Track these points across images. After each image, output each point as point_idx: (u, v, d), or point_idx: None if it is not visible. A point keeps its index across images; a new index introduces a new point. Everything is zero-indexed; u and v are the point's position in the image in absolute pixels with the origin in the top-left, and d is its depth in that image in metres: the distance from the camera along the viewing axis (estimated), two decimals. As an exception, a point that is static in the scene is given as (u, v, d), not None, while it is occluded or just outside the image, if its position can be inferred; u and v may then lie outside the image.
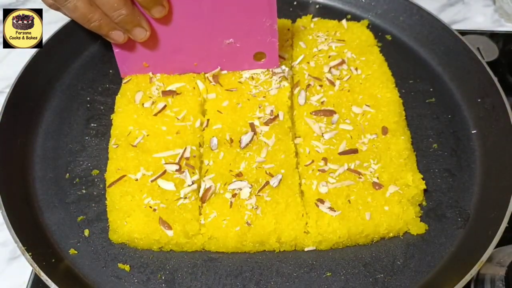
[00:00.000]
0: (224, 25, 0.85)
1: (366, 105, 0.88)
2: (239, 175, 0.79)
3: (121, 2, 0.77)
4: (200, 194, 0.78)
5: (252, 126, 0.85)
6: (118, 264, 0.76)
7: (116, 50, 0.89)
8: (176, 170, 0.79)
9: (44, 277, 0.70)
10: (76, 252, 0.77)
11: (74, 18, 0.79)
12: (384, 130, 0.85)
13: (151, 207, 0.76)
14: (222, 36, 0.87)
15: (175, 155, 0.81)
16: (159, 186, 0.78)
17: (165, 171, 0.79)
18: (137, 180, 0.78)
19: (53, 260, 0.75)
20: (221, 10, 0.83)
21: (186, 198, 0.77)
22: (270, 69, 0.92)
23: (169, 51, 0.89)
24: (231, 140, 0.83)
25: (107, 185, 0.80)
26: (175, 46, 0.88)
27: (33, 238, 0.76)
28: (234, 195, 0.77)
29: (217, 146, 0.82)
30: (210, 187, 0.78)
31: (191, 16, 0.84)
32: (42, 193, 0.83)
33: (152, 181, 0.78)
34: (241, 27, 0.85)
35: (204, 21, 0.84)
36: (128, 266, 0.76)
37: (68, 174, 0.86)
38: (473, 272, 0.70)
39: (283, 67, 0.92)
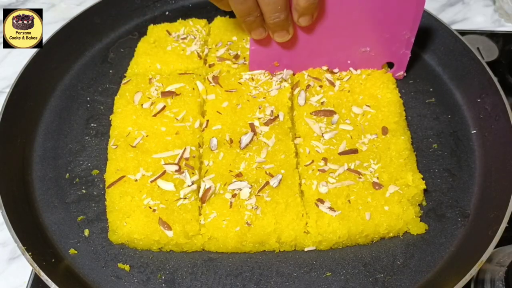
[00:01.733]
0: (366, 34, 0.88)
1: (366, 105, 0.88)
2: (239, 175, 0.79)
3: (283, 6, 0.78)
4: (200, 195, 0.78)
5: (252, 126, 0.85)
6: (118, 264, 0.76)
7: (252, 48, 0.89)
8: (176, 171, 0.79)
9: (44, 277, 0.70)
10: (76, 252, 0.77)
11: (237, 9, 0.80)
12: (384, 130, 0.85)
13: (150, 208, 0.76)
14: (360, 44, 0.90)
15: (175, 155, 0.81)
16: (158, 186, 0.78)
17: (164, 172, 0.79)
18: (136, 180, 0.79)
19: (53, 260, 0.75)
20: (367, 21, 0.86)
21: (185, 198, 0.77)
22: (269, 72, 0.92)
23: (304, 52, 0.90)
24: (231, 141, 0.83)
25: (106, 185, 0.80)
26: (311, 49, 0.90)
27: (33, 238, 0.76)
28: (234, 196, 0.77)
29: (217, 147, 0.82)
30: (210, 188, 0.78)
31: (337, 24, 0.86)
32: (42, 193, 0.83)
33: (151, 181, 0.78)
34: (380, 37, 0.89)
35: (348, 29, 0.87)
36: (128, 266, 0.76)
37: (68, 174, 0.86)
38: (473, 272, 0.70)
39: (286, 70, 0.93)
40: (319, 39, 0.88)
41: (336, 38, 0.88)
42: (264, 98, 0.89)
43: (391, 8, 0.84)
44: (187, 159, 0.81)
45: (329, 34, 0.87)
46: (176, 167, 0.79)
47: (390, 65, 0.95)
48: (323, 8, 0.83)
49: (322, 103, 0.89)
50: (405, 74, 0.97)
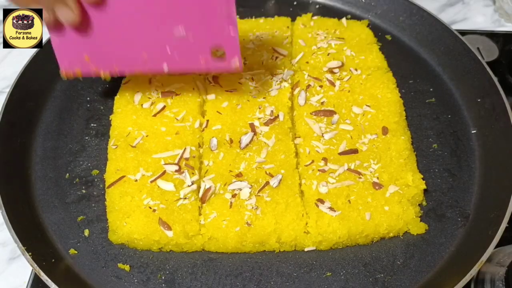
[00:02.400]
0: (172, 9, 0.73)
1: (367, 105, 0.88)
2: (239, 175, 0.79)
3: None
4: (200, 195, 0.78)
5: (252, 126, 0.85)
6: (118, 264, 0.76)
7: (54, 42, 0.79)
8: (176, 171, 0.79)
9: (44, 277, 0.70)
10: (76, 252, 0.77)
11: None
12: (384, 130, 0.85)
13: (150, 208, 0.76)
14: (170, 23, 0.74)
15: (175, 155, 0.81)
16: (158, 186, 0.78)
17: (164, 172, 0.79)
18: (136, 180, 0.78)
19: (53, 260, 0.75)
20: None
21: (185, 198, 0.77)
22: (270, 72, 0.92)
23: (112, 41, 0.78)
24: (231, 141, 0.83)
25: (106, 185, 0.80)
26: (118, 36, 0.77)
27: (33, 238, 0.76)
28: (234, 196, 0.77)
29: (217, 147, 0.82)
30: (210, 188, 0.78)
31: (135, 7, 0.74)
32: (42, 193, 0.83)
33: (151, 181, 0.78)
34: (191, 12, 0.73)
35: (147, 4, 0.74)
36: (128, 266, 0.76)
37: (68, 174, 0.86)
38: (473, 272, 0.70)
39: (286, 70, 0.92)
40: (120, 23, 0.75)
41: (139, 21, 0.74)
42: (264, 98, 0.89)
43: None
44: (187, 159, 0.81)
45: (128, 16, 0.74)
46: (176, 167, 0.79)
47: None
48: None
49: (322, 103, 0.89)
50: (241, 63, 0.78)
